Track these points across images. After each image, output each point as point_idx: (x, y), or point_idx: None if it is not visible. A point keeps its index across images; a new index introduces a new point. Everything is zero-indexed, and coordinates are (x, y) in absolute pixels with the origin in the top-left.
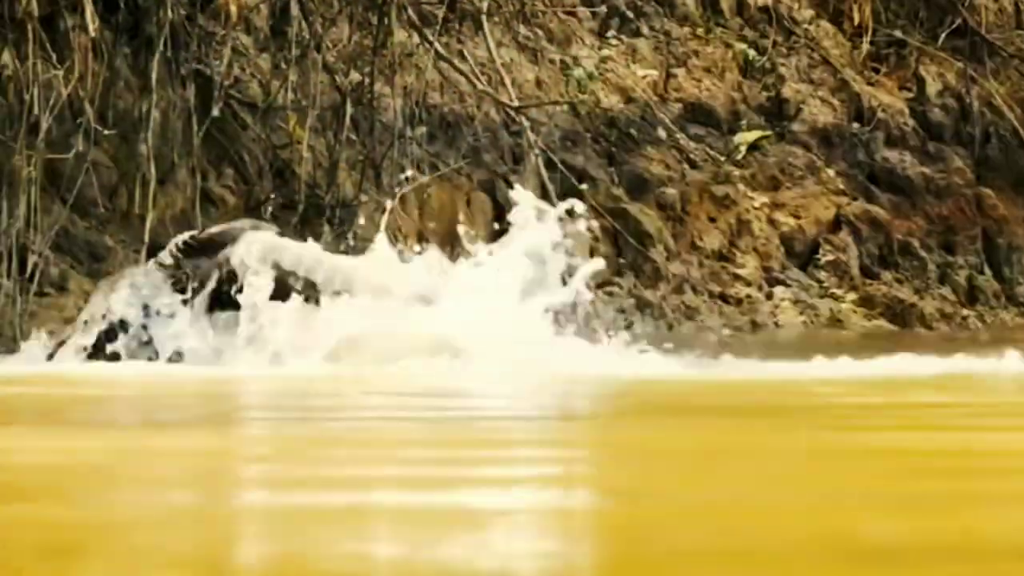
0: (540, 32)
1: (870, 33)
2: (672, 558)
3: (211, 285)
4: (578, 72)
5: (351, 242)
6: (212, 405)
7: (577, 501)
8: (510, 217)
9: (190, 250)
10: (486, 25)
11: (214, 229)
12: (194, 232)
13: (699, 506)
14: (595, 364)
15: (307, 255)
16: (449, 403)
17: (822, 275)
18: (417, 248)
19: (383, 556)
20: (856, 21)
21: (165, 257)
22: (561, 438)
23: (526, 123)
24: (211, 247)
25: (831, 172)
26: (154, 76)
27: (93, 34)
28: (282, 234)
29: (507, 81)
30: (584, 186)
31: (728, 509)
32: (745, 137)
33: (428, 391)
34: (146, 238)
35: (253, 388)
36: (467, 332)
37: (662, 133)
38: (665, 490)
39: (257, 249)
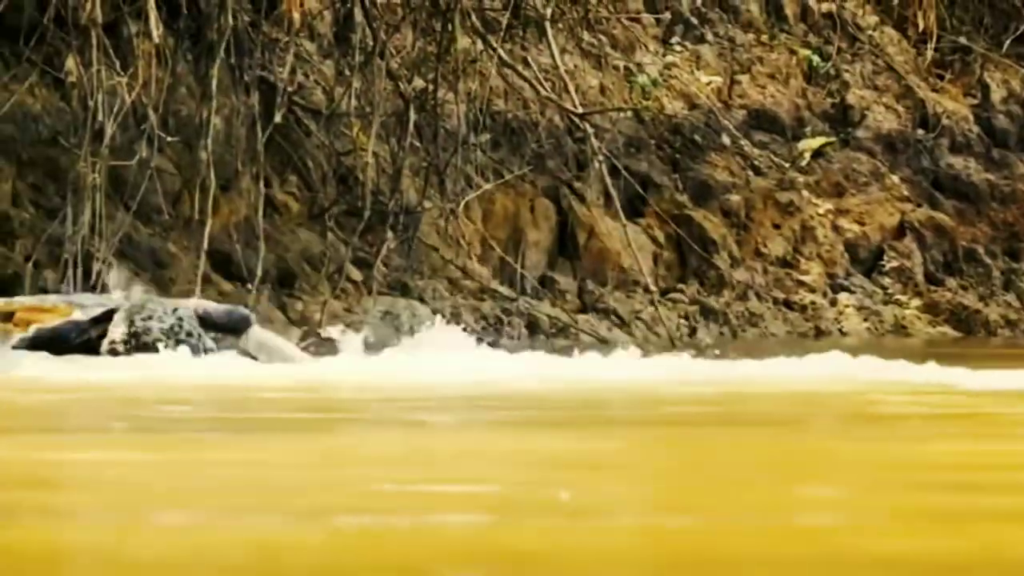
0: (604, 38)
1: (934, 39)
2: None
3: None
4: (642, 78)
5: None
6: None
7: None
8: None
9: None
10: (550, 31)
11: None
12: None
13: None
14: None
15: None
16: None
17: (886, 281)
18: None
19: None
20: (920, 27)
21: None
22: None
23: (590, 129)
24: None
25: (895, 178)
26: (215, 83)
27: (157, 41)
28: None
29: (571, 87)
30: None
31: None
32: (809, 143)
33: None
34: (204, 244)
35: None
36: None
37: (726, 139)
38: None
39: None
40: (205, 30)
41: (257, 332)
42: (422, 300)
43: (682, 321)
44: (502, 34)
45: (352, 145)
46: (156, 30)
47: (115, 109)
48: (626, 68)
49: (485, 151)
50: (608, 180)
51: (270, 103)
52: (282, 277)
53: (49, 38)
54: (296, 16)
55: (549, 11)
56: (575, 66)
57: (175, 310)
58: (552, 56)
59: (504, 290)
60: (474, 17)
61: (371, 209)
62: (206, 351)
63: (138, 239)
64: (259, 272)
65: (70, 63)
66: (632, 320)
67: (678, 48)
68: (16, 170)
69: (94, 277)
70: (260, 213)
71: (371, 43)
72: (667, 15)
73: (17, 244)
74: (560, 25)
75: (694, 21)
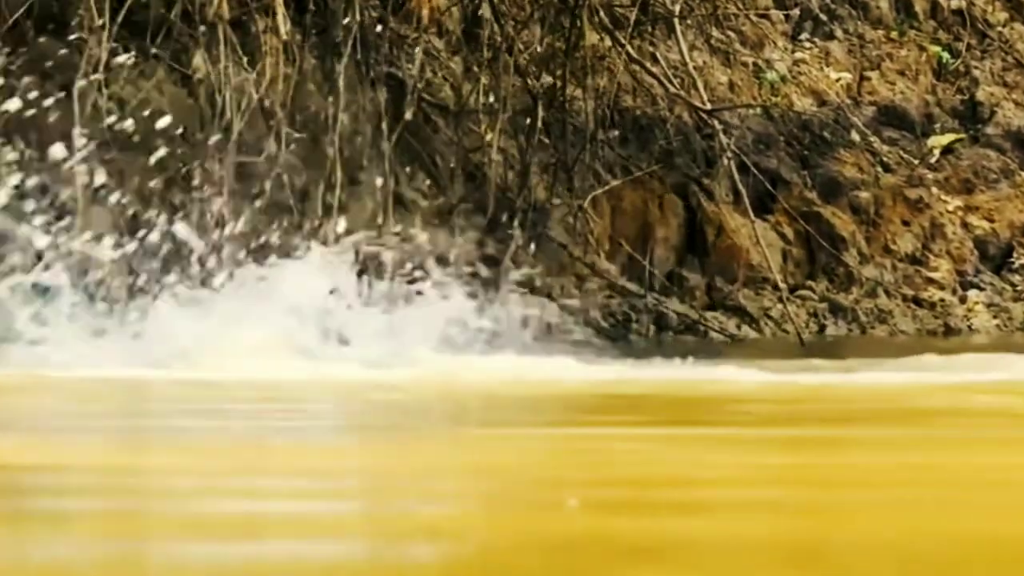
0: (733, 35)
1: None
2: None
3: None
4: (771, 75)
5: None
6: None
7: None
8: None
9: None
10: (678, 28)
11: None
12: None
13: None
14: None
15: None
16: None
17: (1016, 279)
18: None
19: None
20: None
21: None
22: None
23: (718, 126)
24: None
25: None
26: (341, 79)
27: (284, 37)
28: None
29: (699, 84)
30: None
31: None
32: (939, 140)
33: None
34: (331, 241)
35: None
36: None
37: (855, 136)
38: None
39: None
40: (332, 27)
41: None
42: (550, 297)
43: (811, 318)
44: (630, 30)
45: (480, 142)
46: (283, 26)
47: (242, 106)
48: (755, 64)
49: (613, 148)
50: (737, 177)
51: (398, 100)
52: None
53: (176, 34)
54: (425, 12)
55: (678, 7)
56: (704, 62)
57: None
58: (680, 52)
59: (632, 287)
60: (602, 13)
61: (498, 206)
62: None
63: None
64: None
65: (197, 60)
66: (761, 317)
67: (807, 44)
68: (144, 167)
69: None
70: (389, 210)
71: (499, 39)
72: (796, 11)
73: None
74: (689, 21)
75: (823, 17)
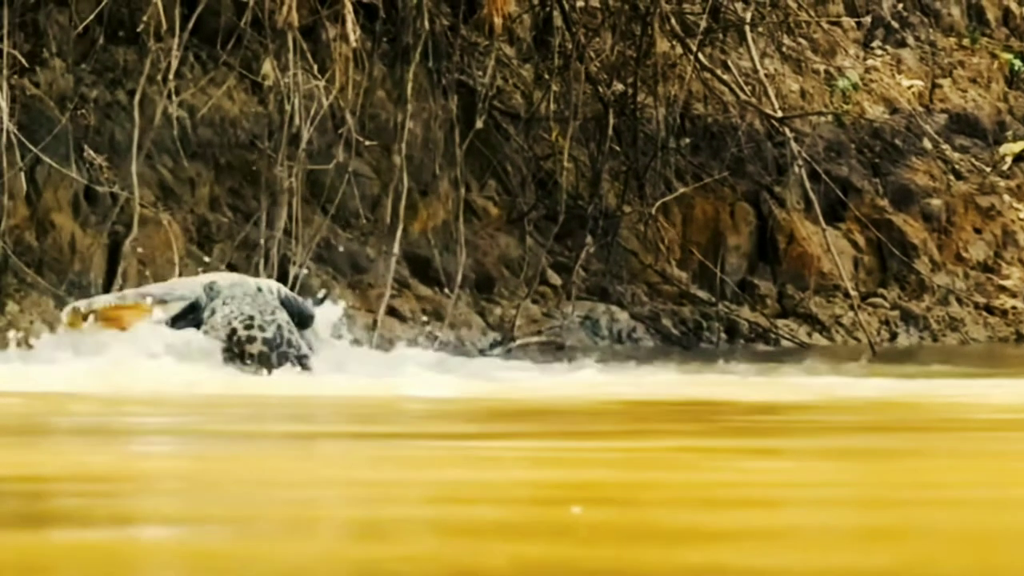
0: (804, 42)
1: None
2: None
3: None
4: (843, 82)
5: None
6: None
7: None
8: None
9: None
10: (749, 35)
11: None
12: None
13: None
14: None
15: None
16: None
17: None
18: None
19: None
20: None
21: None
22: None
23: (790, 134)
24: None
25: None
26: (410, 87)
27: (354, 44)
28: None
29: (771, 91)
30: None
31: None
32: (1011, 148)
33: None
34: (395, 249)
35: None
36: None
37: (927, 144)
38: None
39: None
40: (402, 34)
41: None
42: (621, 305)
43: (882, 326)
44: (701, 38)
45: (551, 149)
46: (353, 33)
47: (312, 113)
48: (826, 72)
49: (685, 155)
50: (808, 184)
51: (468, 107)
52: (480, 281)
53: (246, 42)
54: (496, 20)
55: (749, 15)
56: (775, 70)
57: (272, 312)
58: (752, 60)
59: (703, 295)
60: (673, 21)
61: (570, 213)
62: (303, 360)
63: (336, 243)
64: (458, 277)
65: (267, 67)
66: (832, 325)
67: (879, 52)
68: (214, 175)
69: (290, 281)
70: (459, 217)
71: (570, 47)
72: (868, 19)
73: (215, 248)
74: (760, 29)
75: (895, 25)
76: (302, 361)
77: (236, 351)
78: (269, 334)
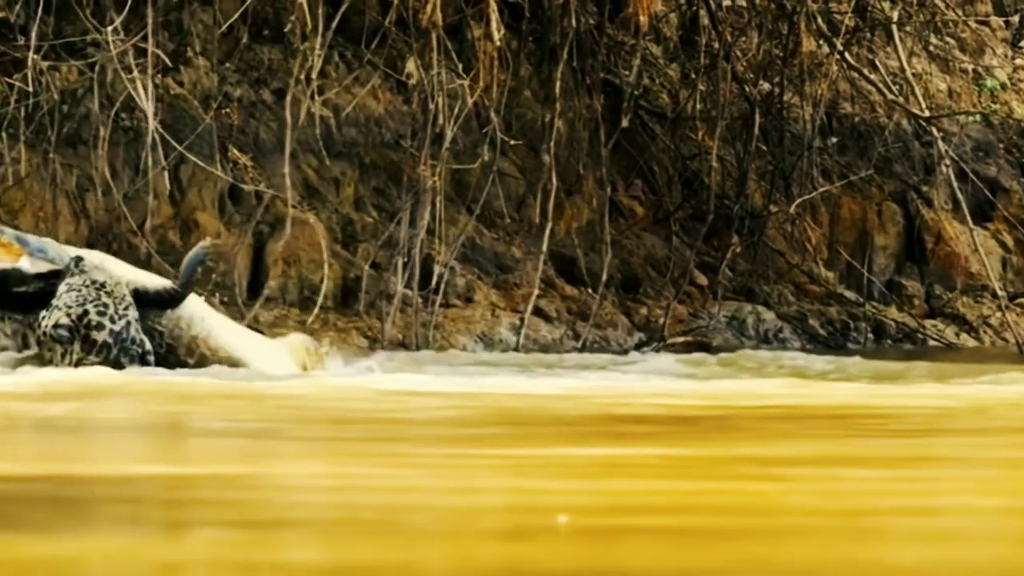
0: (952, 41)
1: None
2: None
3: None
4: (991, 82)
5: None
6: None
7: None
8: None
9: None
10: (896, 34)
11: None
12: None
13: None
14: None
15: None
16: None
17: None
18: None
19: None
20: None
21: None
22: None
23: (937, 133)
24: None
25: None
26: (558, 86)
27: (499, 43)
28: None
29: (918, 91)
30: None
31: None
32: None
33: None
34: (544, 248)
35: None
36: None
37: None
38: None
39: None
40: (548, 32)
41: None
42: (767, 305)
43: None
44: (848, 37)
45: (697, 149)
46: (498, 32)
47: (456, 112)
48: (974, 71)
49: (831, 155)
50: (955, 184)
51: (614, 106)
52: (626, 281)
53: (391, 40)
54: (642, 19)
55: (896, 14)
56: (922, 69)
57: (125, 307)
58: (899, 59)
59: (850, 295)
60: (820, 20)
61: (716, 213)
62: (145, 357)
63: (481, 243)
64: (603, 276)
65: (411, 65)
66: (980, 325)
67: None
68: (359, 174)
69: (434, 280)
70: (605, 217)
71: (717, 46)
72: (1016, 18)
73: (359, 248)
74: (907, 28)
75: None
76: (144, 358)
77: (81, 334)
78: (118, 327)
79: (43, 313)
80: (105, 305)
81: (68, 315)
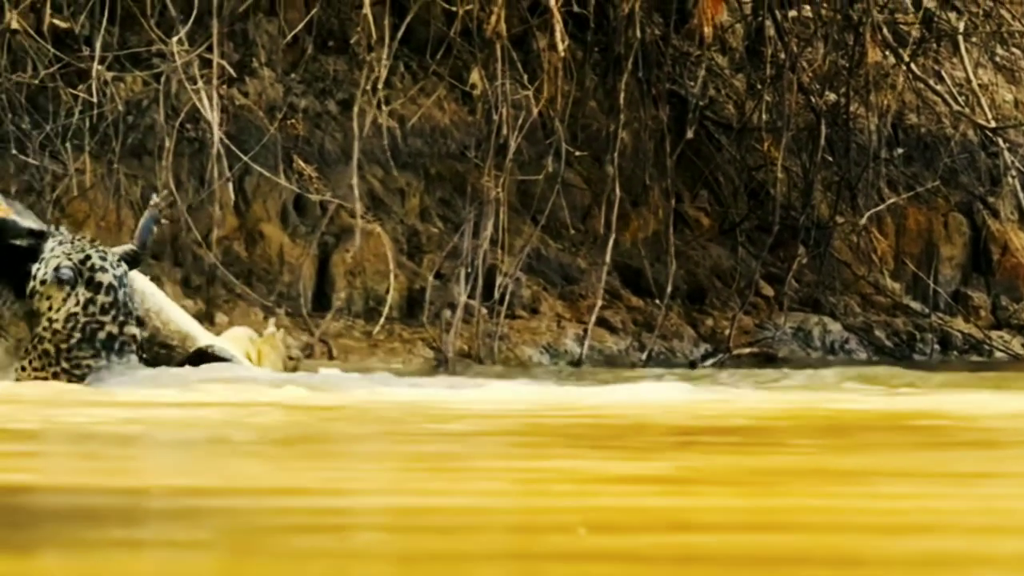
0: (1018, 52)
1: None
2: None
3: None
4: None
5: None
6: None
7: None
8: None
9: None
10: (962, 45)
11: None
12: None
13: None
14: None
15: None
16: None
17: None
18: None
19: None
20: None
21: None
22: None
23: (1003, 144)
24: None
25: None
26: (622, 96)
27: (563, 54)
28: None
29: (984, 102)
30: None
31: None
32: None
33: None
34: (607, 258)
35: None
36: None
37: None
38: None
39: None
40: (613, 43)
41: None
42: (833, 316)
43: None
44: (914, 48)
45: (763, 160)
46: (562, 43)
47: (520, 122)
48: None
49: (897, 165)
50: (1021, 195)
51: (679, 117)
52: (692, 292)
53: (456, 51)
54: (708, 30)
55: (962, 25)
56: (988, 80)
57: (117, 260)
58: (965, 70)
59: (916, 306)
60: (885, 31)
61: (782, 224)
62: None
63: (547, 254)
64: (669, 287)
65: (475, 76)
66: None
67: None
68: (424, 185)
69: (497, 291)
70: (670, 228)
71: (783, 57)
72: None
73: (424, 259)
74: (973, 39)
75: None
76: (139, 320)
77: (84, 277)
78: (119, 273)
79: (36, 266)
80: (104, 253)
81: (69, 259)
